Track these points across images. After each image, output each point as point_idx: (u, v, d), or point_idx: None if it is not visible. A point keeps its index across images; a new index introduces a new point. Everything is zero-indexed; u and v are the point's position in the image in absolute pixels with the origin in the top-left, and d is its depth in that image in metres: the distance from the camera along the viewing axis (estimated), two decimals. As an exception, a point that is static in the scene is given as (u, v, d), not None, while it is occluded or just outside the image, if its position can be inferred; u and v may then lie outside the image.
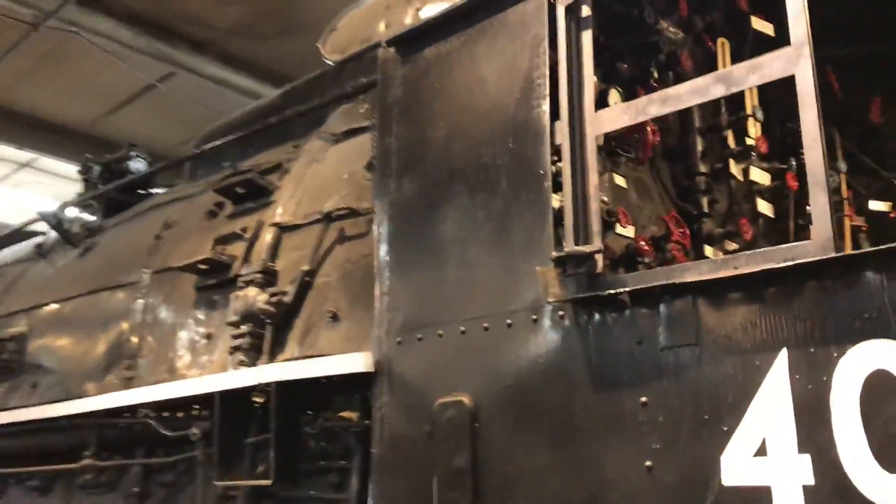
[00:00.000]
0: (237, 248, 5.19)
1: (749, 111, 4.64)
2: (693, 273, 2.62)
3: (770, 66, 2.62)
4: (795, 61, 2.56)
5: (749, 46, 4.67)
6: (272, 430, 3.75)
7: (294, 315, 4.60)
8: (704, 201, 4.47)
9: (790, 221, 4.95)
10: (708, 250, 4.29)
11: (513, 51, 3.27)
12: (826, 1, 2.89)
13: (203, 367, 5.04)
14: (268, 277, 4.79)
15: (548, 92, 3.11)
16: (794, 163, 4.79)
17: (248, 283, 4.81)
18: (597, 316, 2.79)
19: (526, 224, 3.05)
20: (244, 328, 4.65)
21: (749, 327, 2.44)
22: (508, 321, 3.02)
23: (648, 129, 3.63)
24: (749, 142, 4.66)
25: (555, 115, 3.10)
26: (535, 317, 2.95)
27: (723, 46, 4.66)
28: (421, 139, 3.56)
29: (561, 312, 2.88)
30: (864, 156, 5.77)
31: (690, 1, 4.45)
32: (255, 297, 4.66)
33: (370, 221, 4.51)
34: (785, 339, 2.37)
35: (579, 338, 2.81)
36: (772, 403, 2.35)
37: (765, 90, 4.87)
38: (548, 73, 3.13)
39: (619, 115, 2.98)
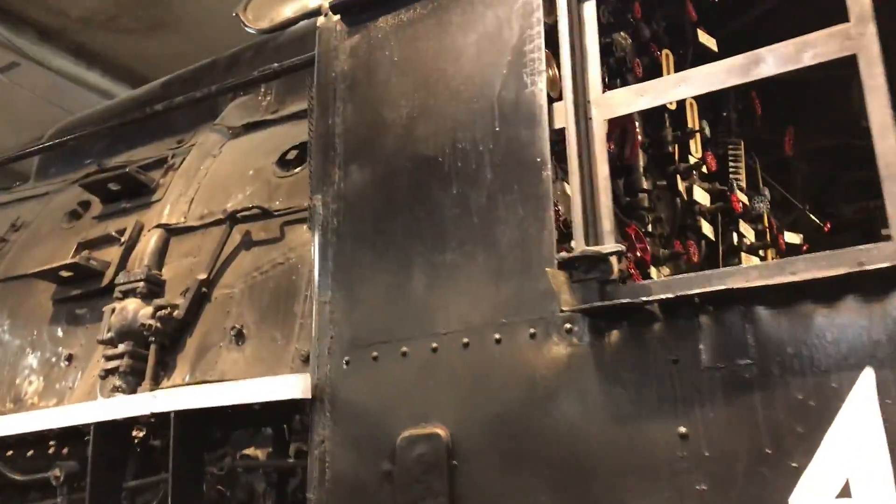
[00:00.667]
0: (110, 254, 4.37)
1: (695, 126, 4.39)
2: (739, 279, 2.21)
3: (825, 45, 2.27)
4: (857, 40, 2.22)
5: (689, 61, 4.46)
6: (171, 470, 3.00)
7: (185, 333, 3.85)
8: (650, 219, 4.14)
9: (719, 246, 4.72)
10: (653, 272, 3.94)
11: (497, 20, 2.79)
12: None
13: (61, 394, 4.16)
14: (152, 287, 4.01)
15: (544, 68, 2.64)
16: (734, 184, 4.59)
17: (127, 294, 4.01)
18: (617, 330, 2.31)
19: (518, 220, 2.55)
20: (121, 347, 3.85)
21: (822, 343, 2.04)
22: (496, 336, 2.49)
23: (637, 125, 3.24)
24: (693, 160, 4.40)
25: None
26: (533, 330, 2.44)
27: (667, 58, 4.39)
28: (375, 120, 2.99)
29: (569, 325, 2.38)
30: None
31: (644, 6, 4.16)
32: (137, 310, 3.88)
33: (283, 224, 3.87)
34: (869, 356, 1.98)
35: (593, 356, 2.33)
36: (856, 434, 1.95)
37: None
38: (543, 46, 2.66)
39: (633, 97, 2.55)
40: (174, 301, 3.87)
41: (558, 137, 2.61)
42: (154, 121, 5.31)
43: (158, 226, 4.21)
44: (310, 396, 2.80)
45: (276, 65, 4.36)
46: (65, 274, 4.33)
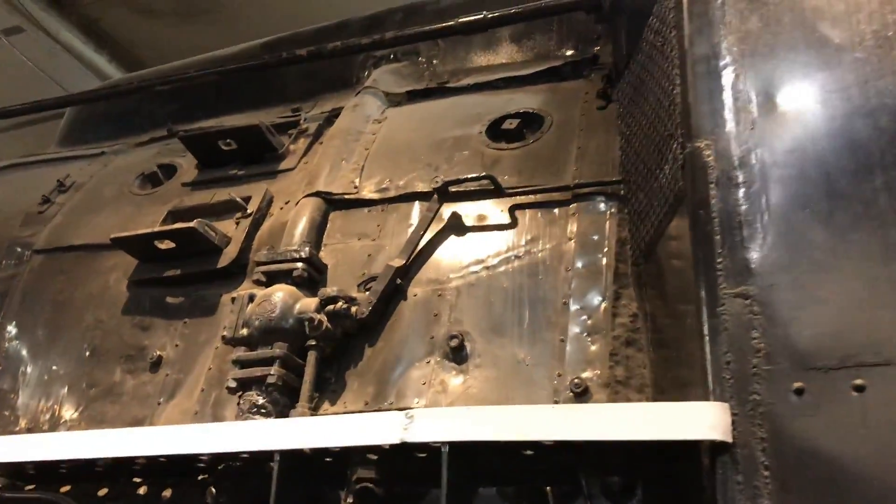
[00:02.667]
0: (225, 227, 3.18)
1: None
2: None
3: None
4: None
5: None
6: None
7: (365, 340, 2.70)
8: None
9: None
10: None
11: None
12: None
13: (141, 413, 2.89)
14: (313, 273, 2.85)
15: None
16: None
17: (275, 278, 2.83)
18: None
19: None
20: (264, 351, 2.65)
21: None
22: None
23: None
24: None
25: None
26: None
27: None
28: (810, 39, 2.03)
29: None
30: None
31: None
32: (292, 301, 2.72)
33: (515, 207, 2.82)
34: None
35: None
36: None
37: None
38: None
39: None
40: (351, 293, 2.72)
41: None
42: (249, 85, 4.24)
43: (315, 194, 3.07)
44: (729, 439, 1.71)
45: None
46: (163, 246, 3.11)
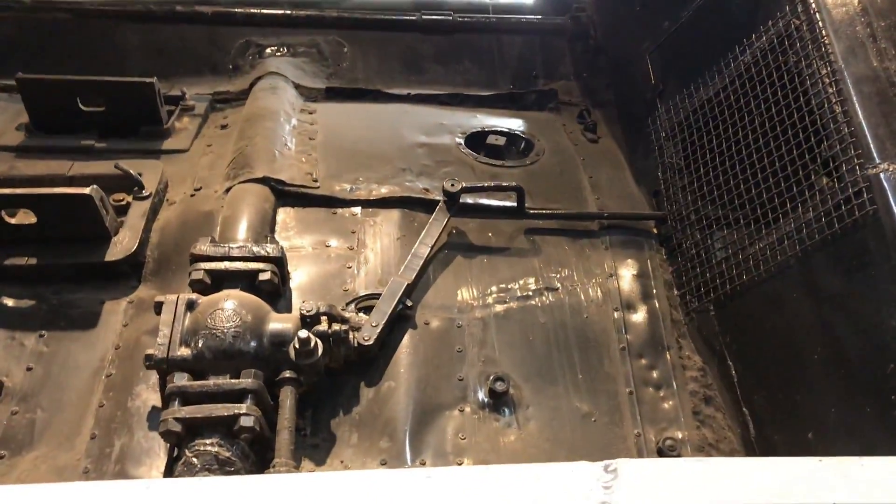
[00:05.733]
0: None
1: None
2: None
3: None
4: None
5: None
6: None
7: (361, 375, 1.97)
8: None
9: None
10: None
11: None
12: None
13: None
14: (278, 281, 2.05)
15: None
16: None
17: (226, 281, 1.98)
18: None
19: None
20: (222, 380, 1.80)
21: None
22: None
23: None
24: None
25: None
26: None
27: None
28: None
29: None
30: None
31: None
32: (260, 314, 1.91)
33: (531, 232, 2.33)
34: None
35: None
36: None
37: None
38: None
39: None
40: (343, 312, 1.99)
41: None
42: (63, 43, 3.19)
43: (262, 180, 2.27)
44: None
45: None
46: (13, 220, 2.07)
